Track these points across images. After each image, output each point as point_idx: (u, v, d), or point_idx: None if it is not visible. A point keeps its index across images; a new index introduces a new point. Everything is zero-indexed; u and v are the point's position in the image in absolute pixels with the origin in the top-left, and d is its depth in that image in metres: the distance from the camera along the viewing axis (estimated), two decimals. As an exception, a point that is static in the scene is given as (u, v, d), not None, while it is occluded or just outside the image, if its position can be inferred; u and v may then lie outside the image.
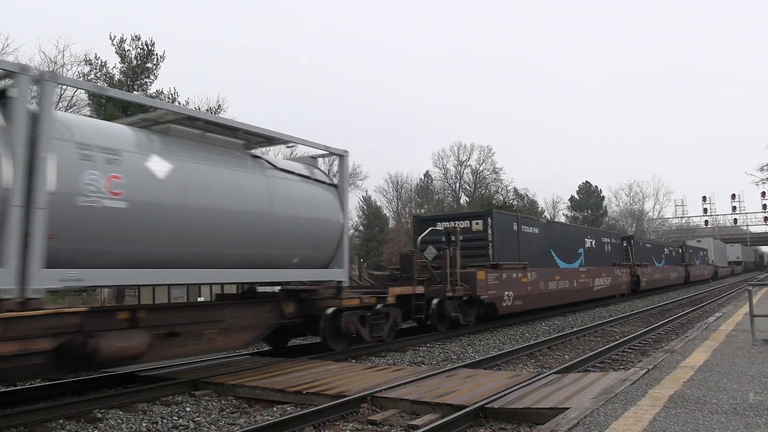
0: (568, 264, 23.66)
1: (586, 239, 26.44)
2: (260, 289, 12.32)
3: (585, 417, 5.43)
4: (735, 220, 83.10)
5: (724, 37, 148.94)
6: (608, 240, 29.60)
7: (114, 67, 32.62)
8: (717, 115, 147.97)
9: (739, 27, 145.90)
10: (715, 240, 71.60)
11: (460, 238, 17.20)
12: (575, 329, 16.66)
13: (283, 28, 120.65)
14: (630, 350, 12.98)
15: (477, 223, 18.59)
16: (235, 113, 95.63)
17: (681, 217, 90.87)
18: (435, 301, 15.34)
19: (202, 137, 9.77)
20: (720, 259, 68.40)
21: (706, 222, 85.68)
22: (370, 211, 62.01)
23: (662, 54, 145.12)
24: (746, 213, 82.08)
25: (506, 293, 17.82)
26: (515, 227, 19.72)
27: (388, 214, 65.41)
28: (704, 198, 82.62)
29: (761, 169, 42.63)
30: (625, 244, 32.69)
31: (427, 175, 70.44)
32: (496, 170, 67.23)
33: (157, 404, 8.10)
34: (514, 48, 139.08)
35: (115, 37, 32.17)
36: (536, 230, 21.35)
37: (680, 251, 47.38)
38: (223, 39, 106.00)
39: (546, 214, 74.81)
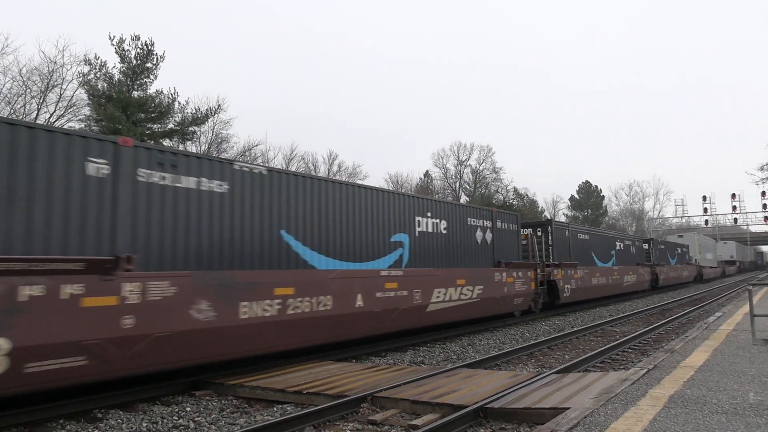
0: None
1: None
2: None
3: (585, 417, 5.42)
4: (735, 220, 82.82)
5: (725, 37, 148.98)
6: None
7: (114, 67, 32.65)
8: (717, 115, 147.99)
9: (739, 27, 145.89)
10: (700, 235, 62.04)
11: None
12: (575, 329, 16.64)
13: (283, 26, 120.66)
14: (630, 350, 12.97)
15: None
16: (235, 112, 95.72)
17: (681, 217, 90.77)
18: None
19: None
20: (707, 258, 59.14)
21: (707, 221, 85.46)
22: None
23: (662, 54, 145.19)
24: (746, 213, 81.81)
25: None
26: None
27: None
28: (704, 198, 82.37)
29: (761, 169, 42.63)
30: (539, 233, 21.83)
31: (427, 174, 70.59)
32: (496, 170, 67.33)
33: (157, 404, 8.10)
34: (514, 48, 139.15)
35: (114, 36, 32.21)
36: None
37: (645, 247, 36.38)
38: (223, 38, 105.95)
39: (546, 213, 74.79)
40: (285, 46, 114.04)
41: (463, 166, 69.20)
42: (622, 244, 31.62)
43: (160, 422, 7.17)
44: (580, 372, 9.82)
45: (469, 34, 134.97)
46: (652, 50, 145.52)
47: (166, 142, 33.79)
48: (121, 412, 7.59)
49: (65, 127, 33.41)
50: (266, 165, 12.64)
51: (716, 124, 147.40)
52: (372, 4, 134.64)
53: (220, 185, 9.70)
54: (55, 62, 32.89)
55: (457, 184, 69.22)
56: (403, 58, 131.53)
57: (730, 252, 75.64)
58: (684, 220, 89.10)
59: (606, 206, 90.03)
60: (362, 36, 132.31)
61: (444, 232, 15.61)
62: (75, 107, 33.79)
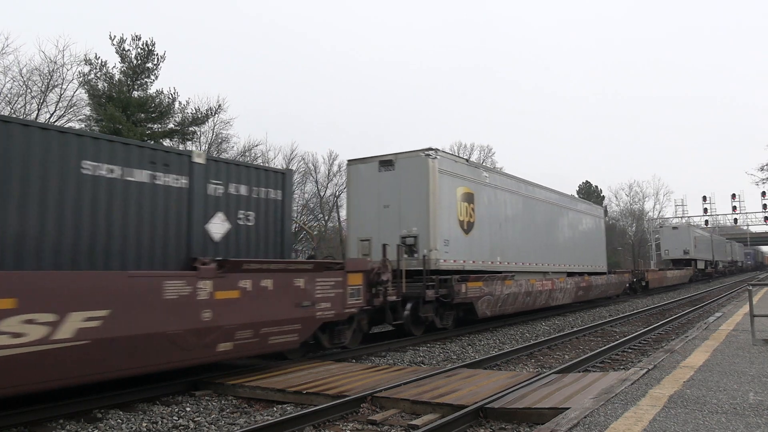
0: None
1: None
2: None
3: (585, 417, 5.42)
4: (735, 220, 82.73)
5: (724, 37, 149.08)
6: None
7: (114, 67, 32.66)
8: (717, 115, 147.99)
9: (739, 26, 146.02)
10: (515, 181, 22.59)
11: None
12: (575, 329, 16.66)
13: (283, 26, 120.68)
14: (630, 350, 12.98)
15: None
16: (235, 112, 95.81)
17: (681, 217, 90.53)
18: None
19: None
20: (560, 256, 23.19)
21: (707, 222, 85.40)
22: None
23: (662, 54, 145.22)
24: (746, 213, 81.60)
25: None
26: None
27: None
28: (704, 198, 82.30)
29: (761, 169, 42.52)
30: None
31: (427, 174, 70.47)
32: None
33: (157, 404, 8.10)
34: (514, 48, 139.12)
35: (115, 36, 32.21)
36: None
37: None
38: (223, 38, 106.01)
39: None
40: (285, 46, 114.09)
41: (463, 166, 69.18)
42: None
43: (160, 422, 7.18)
44: (580, 372, 9.82)
45: (469, 34, 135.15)
46: (652, 51, 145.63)
47: (167, 142, 33.80)
48: (120, 412, 7.59)
49: (66, 126, 33.35)
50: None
51: (717, 124, 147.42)
52: (372, 4, 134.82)
53: None
54: (55, 62, 32.92)
55: (457, 184, 69.20)
56: (404, 57, 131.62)
57: (683, 244, 46.87)
58: (684, 220, 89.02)
59: (606, 206, 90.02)
60: (363, 36, 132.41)
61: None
62: (75, 107, 33.82)
